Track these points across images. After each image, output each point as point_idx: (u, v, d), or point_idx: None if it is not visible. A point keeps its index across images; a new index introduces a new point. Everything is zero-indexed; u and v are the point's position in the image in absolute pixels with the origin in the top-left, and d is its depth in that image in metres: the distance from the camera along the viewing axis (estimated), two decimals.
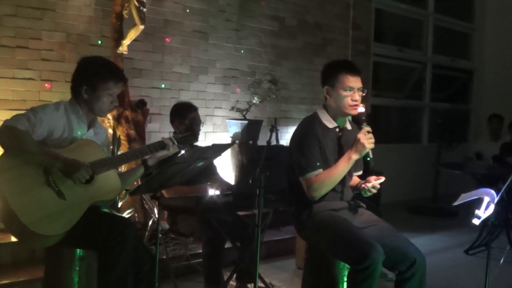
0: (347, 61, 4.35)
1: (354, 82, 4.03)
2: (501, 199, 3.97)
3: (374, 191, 4.08)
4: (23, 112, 3.61)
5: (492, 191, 3.96)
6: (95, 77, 3.79)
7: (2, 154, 3.50)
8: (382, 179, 4.04)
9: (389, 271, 4.13)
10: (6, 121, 3.51)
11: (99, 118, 4.11)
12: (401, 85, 12.12)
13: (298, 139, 4.09)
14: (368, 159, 3.92)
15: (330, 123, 4.13)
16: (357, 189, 4.23)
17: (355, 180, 4.32)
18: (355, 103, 4.03)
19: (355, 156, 3.92)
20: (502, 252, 6.70)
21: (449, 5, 12.56)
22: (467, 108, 13.15)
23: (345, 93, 4.02)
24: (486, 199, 3.90)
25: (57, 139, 3.68)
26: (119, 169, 4.20)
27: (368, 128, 3.91)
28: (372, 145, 3.88)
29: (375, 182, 4.04)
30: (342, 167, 3.96)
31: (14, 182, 3.45)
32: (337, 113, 4.12)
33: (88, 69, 3.84)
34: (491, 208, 3.88)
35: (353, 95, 4.02)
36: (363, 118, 3.96)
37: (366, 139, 3.86)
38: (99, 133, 4.01)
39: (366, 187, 4.07)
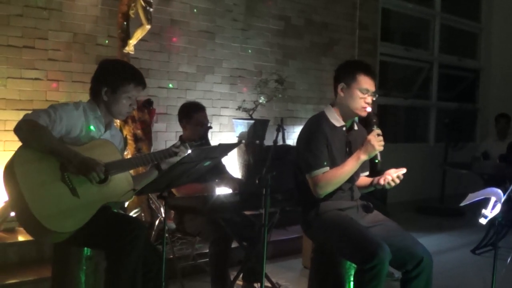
0: (366, 64, 4.34)
1: (370, 85, 4.07)
2: (508, 199, 3.97)
3: (398, 181, 4.04)
4: (42, 108, 3.64)
5: (499, 191, 3.96)
6: (116, 79, 3.83)
7: (20, 147, 3.54)
8: (404, 170, 4.02)
9: (395, 270, 4.12)
10: (26, 115, 3.55)
11: None
12: (408, 85, 12.09)
13: (306, 137, 4.09)
14: (376, 161, 3.93)
15: (338, 122, 4.14)
16: (373, 185, 4.20)
17: (364, 179, 4.31)
18: (367, 105, 4.05)
19: (363, 157, 3.93)
20: (509, 252, 6.67)
21: (456, 5, 12.53)
22: (474, 108, 13.11)
23: (360, 94, 4.04)
24: (493, 199, 3.90)
25: (74, 137, 3.71)
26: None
27: (379, 131, 3.92)
28: (381, 148, 3.89)
29: (399, 172, 4.02)
30: (350, 166, 3.96)
31: (30, 176, 3.47)
32: (347, 113, 4.13)
33: (109, 71, 3.89)
34: (498, 207, 3.88)
35: (366, 97, 4.05)
36: (374, 120, 3.97)
37: (377, 141, 3.87)
38: (114, 135, 4.04)
39: (389, 177, 4.04)
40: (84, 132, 3.76)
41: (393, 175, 4.01)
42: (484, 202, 3.97)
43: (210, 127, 5.39)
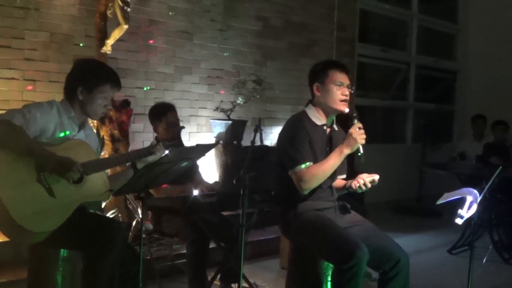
0: (335, 60, 4.50)
1: (343, 78, 4.15)
2: (484, 199, 4.00)
3: (370, 185, 4.10)
4: (16, 108, 3.62)
5: (475, 191, 3.99)
6: (92, 79, 3.81)
7: None
8: (377, 176, 4.07)
9: (373, 270, 4.15)
10: (0, 115, 3.52)
11: None
12: (385, 86, 12.14)
13: (288, 134, 4.13)
14: (359, 154, 3.97)
15: (319, 120, 4.20)
16: (346, 188, 4.26)
17: (338, 182, 4.34)
18: (345, 97, 4.12)
19: (346, 151, 3.96)
20: (485, 252, 6.74)
21: (433, 6, 12.60)
22: (451, 109, 13.19)
23: (335, 88, 4.10)
24: (469, 199, 3.92)
25: (48, 138, 3.68)
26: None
27: (360, 125, 3.97)
28: (363, 141, 3.94)
29: (371, 178, 4.07)
30: (333, 161, 4.00)
31: (6, 176, 3.45)
32: (327, 109, 4.19)
33: (86, 70, 3.87)
34: (474, 207, 3.91)
35: (343, 90, 4.10)
36: (355, 115, 4.02)
37: (358, 134, 3.92)
38: (89, 135, 4.02)
39: (361, 181, 4.08)
40: (58, 132, 3.73)
41: (366, 179, 4.06)
42: (460, 202, 3.99)
43: (183, 127, 5.38)
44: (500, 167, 4.25)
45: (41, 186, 3.52)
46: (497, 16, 12.18)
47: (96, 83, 3.80)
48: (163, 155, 3.96)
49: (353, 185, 4.16)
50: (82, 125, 3.92)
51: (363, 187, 4.10)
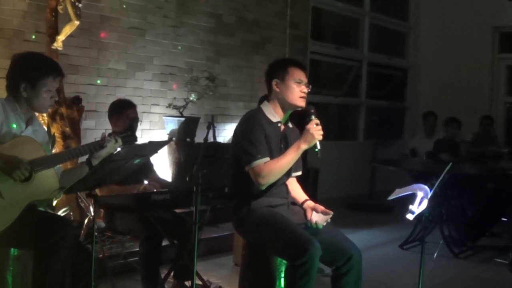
0: (295, 59, 4.56)
1: (302, 76, 4.21)
2: (434, 195, 4.05)
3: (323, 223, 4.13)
4: None
5: (426, 187, 4.04)
6: (33, 74, 3.74)
7: None
8: (330, 216, 4.11)
9: (326, 266, 4.18)
10: None
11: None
12: (338, 83, 12.21)
13: (245, 129, 4.13)
14: (316, 150, 4.00)
15: (274, 117, 4.22)
16: (301, 207, 4.29)
17: (299, 195, 4.38)
18: (303, 94, 4.17)
19: (304, 146, 3.99)
20: (436, 247, 6.85)
21: (384, 4, 12.73)
22: (403, 106, 13.34)
23: (295, 85, 4.15)
24: (420, 195, 3.97)
25: None
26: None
27: (317, 121, 4.01)
28: (321, 137, 3.99)
29: (324, 221, 4.10)
30: (290, 156, 4.02)
31: None
32: (286, 106, 4.22)
33: (24, 66, 3.80)
34: (425, 203, 3.96)
35: (302, 87, 4.16)
36: (312, 111, 4.06)
37: (316, 130, 3.96)
38: (37, 130, 3.95)
39: (313, 222, 4.11)
40: (5, 129, 3.67)
41: (319, 222, 4.09)
42: (411, 198, 4.04)
43: (139, 120, 5.38)
44: (450, 163, 4.32)
45: None
46: (447, 14, 12.36)
47: (38, 77, 3.74)
48: (115, 152, 3.92)
49: (307, 216, 4.19)
50: (30, 121, 3.86)
51: (320, 226, 4.13)
